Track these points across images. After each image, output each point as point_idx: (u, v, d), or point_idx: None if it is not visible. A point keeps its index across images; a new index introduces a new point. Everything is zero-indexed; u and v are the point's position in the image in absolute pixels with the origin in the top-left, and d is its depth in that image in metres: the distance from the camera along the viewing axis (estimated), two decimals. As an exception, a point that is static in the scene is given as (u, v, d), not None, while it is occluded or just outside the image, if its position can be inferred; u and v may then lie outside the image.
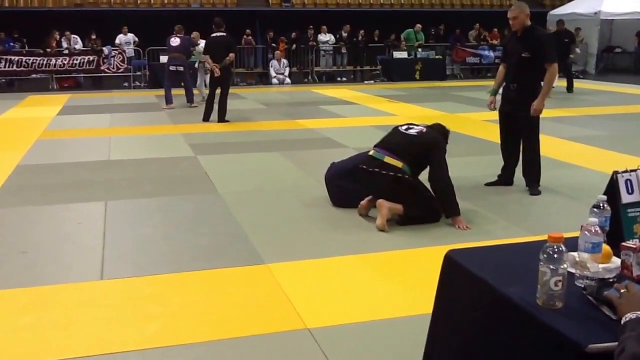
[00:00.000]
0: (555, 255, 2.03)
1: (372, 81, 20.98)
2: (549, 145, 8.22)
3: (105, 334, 3.66)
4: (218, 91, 11.80)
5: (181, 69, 13.88)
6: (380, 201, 5.53)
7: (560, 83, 16.01)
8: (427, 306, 2.82)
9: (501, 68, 6.95)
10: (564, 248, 2.04)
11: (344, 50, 21.64)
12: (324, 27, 21.38)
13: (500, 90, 6.93)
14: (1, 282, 4.41)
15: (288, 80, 19.91)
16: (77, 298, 4.17)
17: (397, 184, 5.54)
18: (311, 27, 21.20)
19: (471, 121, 11.77)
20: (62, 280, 4.44)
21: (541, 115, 6.62)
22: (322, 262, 4.80)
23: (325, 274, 4.60)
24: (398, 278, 4.56)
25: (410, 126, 5.93)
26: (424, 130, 5.86)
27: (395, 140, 5.79)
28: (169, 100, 13.89)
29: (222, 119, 11.76)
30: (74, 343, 3.56)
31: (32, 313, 3.93)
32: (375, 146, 5.83)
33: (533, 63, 6.43)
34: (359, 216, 5.84)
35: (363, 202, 5.81)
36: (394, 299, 4.17)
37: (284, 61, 20.01)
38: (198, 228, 5.58)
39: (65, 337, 3.64)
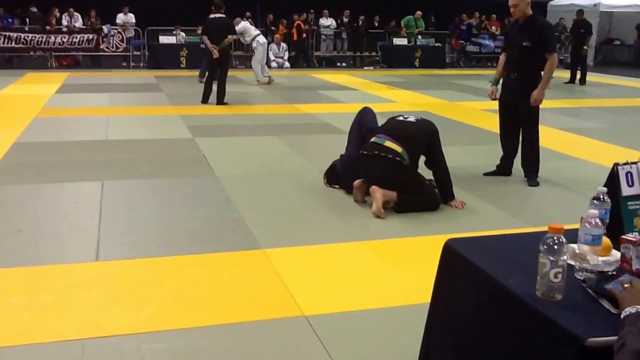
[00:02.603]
0: (556, 247, 2.01)
1: (371, 67, 20.91)
2: (548, 137, 8.20)
3: (99, 317, 3.63)
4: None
5: (203, 46, 14.21)
6: (373, 187, 5.54)
7: (559, 74, 15.99)
8: (425, 295, 2.80)
9: (502, 57, 6.90)
10: (564, 239, 2.03)
11: (344, 36, 21.53)
12: (325, 11, 21.25)
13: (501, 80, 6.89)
14: (-5, 260, 4.38)
15: (287, 64, 19.82)
16: (72, 279, 4.13)
17: (396, 167, 5.57)
18: (312, 11, 21.07)
19: (471, 110, 11.75)
20: (57, 261, 4.41)
21: (540, 106, 6.57)
22: (319, 249, 4.78)
23: (323, 261, 4.57)
24: (396, 266, 4.54)
25: (406, 116, 6.06)
26: (420, 119, 6.01)
27: (395, 127, 5.87)
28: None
29: (220, 101, 11.70)
30: (67, 325, 3.53)
31: (26, 293, 3.90)
32: (376, 133, 5.86)
33: (534, 52, 6.39)
34: (356, 202, 5.82)
35: (357, 182, 5.79)
36: (392, 288, 4.14)
37: (283, 45, 19.90)
38: (195, 211, 5.55)
39: (59, 318, 3.61)
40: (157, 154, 7.74)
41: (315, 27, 21.00)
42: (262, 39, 14.91)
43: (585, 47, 16.52)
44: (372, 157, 5.64)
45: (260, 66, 14.98)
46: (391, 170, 5.58)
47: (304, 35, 20.32)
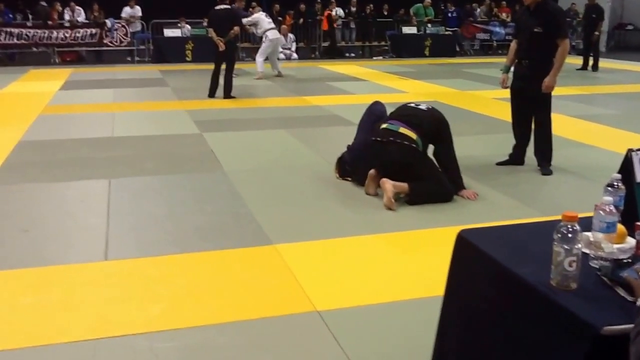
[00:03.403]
0: (570, 235, 1.99)
1: (380, 57, 20.74)
2: (561, 124, 8.09)
3: (109, 316, 3.59)
4: (223, 66, 11.66)
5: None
6: (383, 179, 5.49)
7: (571, 60, 15.80)
8: (439, 288, 2.76)
9: (513, 44, 6.80)
10: (578, 227, 2.00)
11: (352, 25, 21.38)
12: (333, 0, 21.09)
13: (512, 67, 6.79)
14: (2, 261, 4.33)
15: (295, 55, 19.67)
16: (81, 279, 4.09)
17: (410, 153, 5.52)
18: (319, 0, 20.94)
19: (482, 99, 11.65)
20: (65, 261, 4.36)
21: (552, 93, 6.47)
22: (330, 243, 4.72)
23: (335, 255, 4.52)
24: (409, 259, 4.49)
25: (417, 103, 6.02)
26: (431, 107, 5.97)
27: (408, 113, 5.81)
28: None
29: (228, 95, 11.61)
30: (76, 325, 3.49)
31: (34, 294, 3.86)
32: (388, 120, 5.80)
33: (545, 38, 6.29)
34: (367, 195, 5.75)
35: (371, 172, 5.72)
36: (406, 281, 4.09)
37: (291, 36, 19.75)
38: (204, 207, 5.49)
39: (67, 319, 3.57)
40: (164, 150, 7.68)
41: (322, 17, 20.86)
42: (272, 34, 14.41)
43: (596, 33, 16.29)
44: (386, 144, 5.58)
45: (262, 58, 14.55)
46: (406, 156, 5.53)
47: (335, 25, 20.23)
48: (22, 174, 6.51)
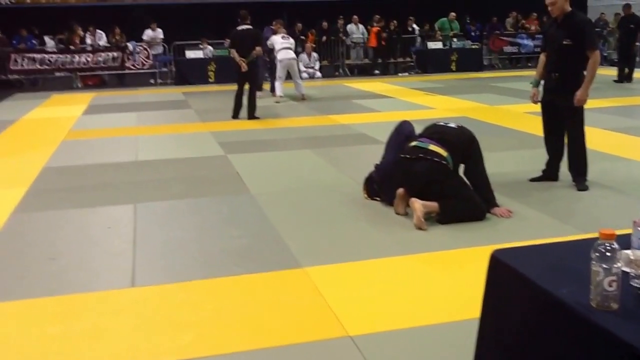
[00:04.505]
0: (608, 254, 1.93)
1: (406, 73, 20.63)
2: (595, 137, 7.91)
3: (137, 344, 3.53)
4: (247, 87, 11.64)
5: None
6: (412, 199, 5.39)
7: (602, 71, 15.52)
8: (475, 310, 2.67)
9: (542, 57, 6.68)
10: (616, 245, 1.94)
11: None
12: (355, 17, 21.01)
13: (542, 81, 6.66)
14: (29, 290, 4.28)
15: (319, 74, 19.57)
16: (108, 306, 4.03)
17: (441, 171, 5.44)
18: (341, 17, 20.88)
19: (512, 113, 11.49)
20: (91, 288, 4.30)
21: (585, 106, 6.32)
22: (361, 265, 4.61)
23: (366, 277, 4.41)
24: (443, 280, 4.36)
25: (446, 122, 5.99)
26: (460, 125, 5.94)
27: (438, 131, 5.74)
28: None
29: (251, 115, 11.58)
30: (104, 354, 3.43)
31: (61, 323, 3.81)
32: (417, 138, 5.73)
33: (575, 50, 6.16)
34: (397, 215, 5.64)
35: (400, 191, 5.61)
36: (440, 303, 3.98)
37: (314, 55, 19.67)
38: (231, 231, 5.41)
39: (95, 347, 3.50)
40: (189, 173, 7.62)
41: (344, 36, 20.79)
42: (281, 55, 13.89)
43: (638, 44, 16.02)
44: (415, 160, 5.50)
45: (279, 82, 14.14)
46: (435, 173, 5.44)
47: (383, 43, 20.20)
48: (47, 201, 6.48)
